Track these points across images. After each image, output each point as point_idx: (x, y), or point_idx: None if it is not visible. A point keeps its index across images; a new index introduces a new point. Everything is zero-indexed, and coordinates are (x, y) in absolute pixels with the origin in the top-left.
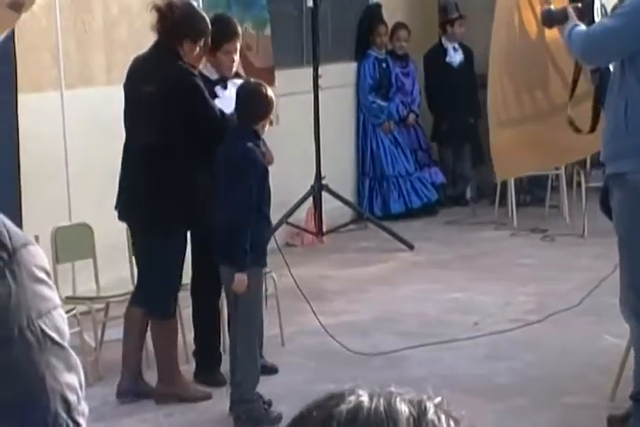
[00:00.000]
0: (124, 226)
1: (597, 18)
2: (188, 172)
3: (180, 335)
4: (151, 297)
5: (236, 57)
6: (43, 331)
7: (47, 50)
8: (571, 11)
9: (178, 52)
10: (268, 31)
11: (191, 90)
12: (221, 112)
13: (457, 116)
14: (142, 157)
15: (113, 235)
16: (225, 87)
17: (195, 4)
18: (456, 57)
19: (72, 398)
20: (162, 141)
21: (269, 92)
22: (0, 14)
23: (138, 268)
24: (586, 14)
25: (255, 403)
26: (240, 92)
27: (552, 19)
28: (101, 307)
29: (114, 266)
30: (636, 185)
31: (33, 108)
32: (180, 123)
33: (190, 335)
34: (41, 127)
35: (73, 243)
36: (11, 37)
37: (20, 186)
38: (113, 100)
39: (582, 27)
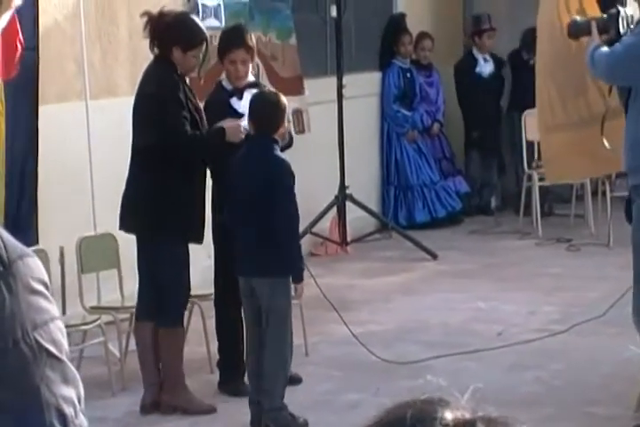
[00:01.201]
0: None
1: (622, 29)
2: (172, 181)
3: (204, 346)
4: (158, 306)
5: (244, 67)
6: (38, 343)
7: (72, 60)
8: (594, 24)
9: (169, 59)
10: (293, 40)
11: (151, 99)
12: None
13: (486, 126)
14: (130, 164)
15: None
16: (240, 98)
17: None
18: (486, 67)
19: (68, 410)
20: (136, 148)
21: (283, 99)
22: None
23: (139, 279)
24: (611, 25)
25: (283, 411)
26: (254, 103)
27: (578, 30)
28: (126, 317)
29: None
30: None
31: (57, 118)
32: (147, 129)
33: (214, 346)
34: (65, 137)
35: (98, 253)
36: (34, 49)
37: (36, 196)
38: None
39: (604, 48)
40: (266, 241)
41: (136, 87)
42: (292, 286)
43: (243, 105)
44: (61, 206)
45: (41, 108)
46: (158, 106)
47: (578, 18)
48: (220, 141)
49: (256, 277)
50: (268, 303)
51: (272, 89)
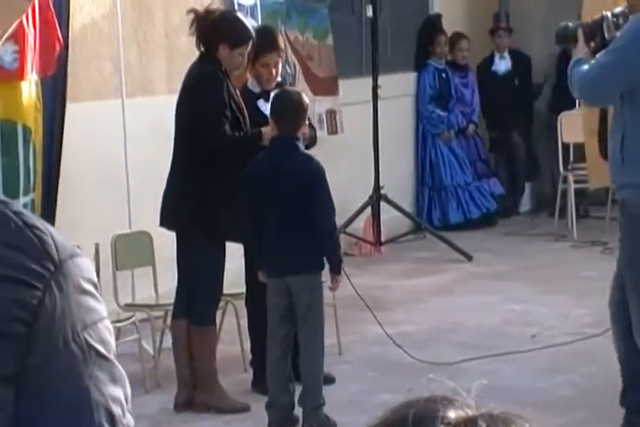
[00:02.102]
0: None
1: (607, 34)
2: (212, 179)
3: (237, 344)
4: (191, 304)
5: (276, 70)
6: (88, 343)
7: (109, 59)
8: (580, 32)
9: (215, 57)
10: (329, 40)
11: (194, 97)
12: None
13: (504, 126)
14: (172, 161)
15: (172, 242)
16: (267, 100)
17: (249, 14)
18: (501, 65)
19: (117, 410)
20: (177, 145)
21: (305, 98)
22: (11, 2)
23: (178, 276)
24: (597, 32)
25: (321, 410)
26: (277, 102)
27: (565, 36)
28: (160, 314)
29: (173, 274)
30: (635, 213)
31: (94, 116)
32: (188, 126)
33: (247, 345)
34: (102, 136)
35: (132, 250)
36: (66, 47)
37: (56, 194)
38: (173, 108)
39: (584, 66)
40: (307, 238)
41: (172, 85)
42: (329, 278)
43: (270, 107)
44: (97, 204)
45: (77, 106)
46: (200, 104)
47: (570, 23)
48: (257, 145)
49: (295, 276)
50: (310, 301)
51: (299, 88)
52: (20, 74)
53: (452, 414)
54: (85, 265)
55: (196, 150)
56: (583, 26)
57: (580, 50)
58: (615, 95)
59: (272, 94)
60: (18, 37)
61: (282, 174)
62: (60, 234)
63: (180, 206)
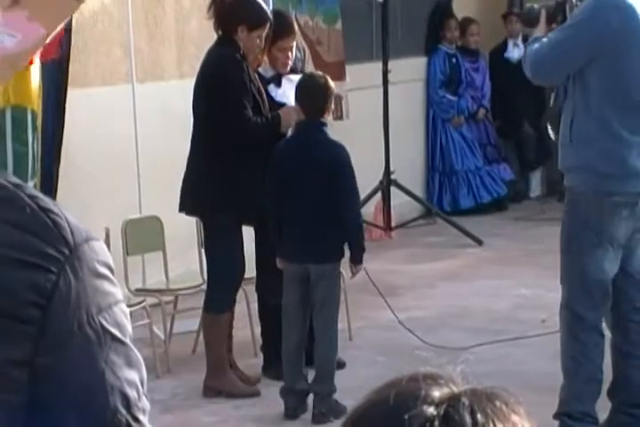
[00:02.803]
0: (193, 219)
1: (569, 16)
2: (223, 163)
3: (248, 329)
4: (208, 291)
5: (292, 54)
6: (103, 326)
7: (119, 44)
8: (543, 12)
9: (233, 40)
10: (338, 26)
11: (214, 81)
12: (254, 115)
13: (514, 113)
14: (191, 146)
15: (183, 227)
16: (279, 85)
17: None
18: (514, 53)
19: (132, 394)
20: (197, 130)
21: (330, 82)
22: (62, 2)
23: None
24: (559, 13)
25: (332, 396)
26: (304, 86)
27: (531, 18)
28: (171, 299)
29: (183, 259)
30: (577, 197)
31: (103, 101)
32: (208, 110)
33: (258, 330)
34: (112, 121)
35: (143, 235)
36: (68, 30)
37: (57, 177)
38: (184, 93)
39: (536, 45)
40: (330, 226)
41: (182, 70)
42: (348, 267)
43: (280, 92)
44: (107, 189)
45: (87, 92)
46: (222, 89)
47: (536, 5)
48: (277, 128)
49: (315, 263)
50: (328, 289)
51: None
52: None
53: (435, 393)
54: (101, 249)
55: (218, 135)
56: (547, 7)
57: (540, 30)
58: (563, 74)
59: (283, 79)
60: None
61: (308, 160)
62: (74, 218)
63: (200, 191)
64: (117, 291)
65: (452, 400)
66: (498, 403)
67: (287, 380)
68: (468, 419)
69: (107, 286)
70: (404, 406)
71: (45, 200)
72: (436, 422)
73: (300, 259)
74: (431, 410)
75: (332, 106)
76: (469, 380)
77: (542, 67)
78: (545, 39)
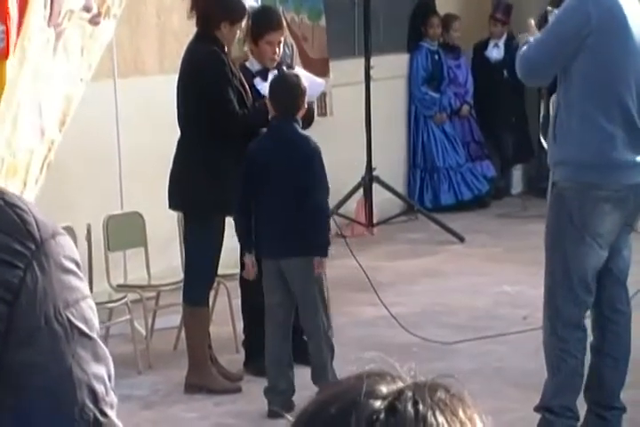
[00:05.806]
0: (175, 214)
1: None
2: (210, 157)
3: (230, 325)
4: (185, 284)
5: (279, 49)
6: (70, 321)
7: None
8: (531, 20)
9: (213, 36)
10: (322, 22)
11: (198, 77)
12: (239, 107)
13: (492, 110)
14: (178, 141)
15: (164, 223)
16: (265, 79)
17: None
18: (492, 53)
19: (99, 388)
20: (183, 125)
21: (303, 81)
22: None
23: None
24: (545, 19)
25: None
26: (275, 85)
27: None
28: (152, 295)
29: (165, 255)
30: (562, 192)
31: (86, 96)
32: (195, 107)
33: (240, 325)
34: (94, 116)
35: (124, 231)
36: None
37: None
38: (165, 89)
39: (524, 47)
40: (303, 221)
41: (164, 65)
42: (317, 261)
43: (266, 85)
44: (89, 184)
45: None
46: (205, 86)
47: (549, 7)
48: (266, 115)
49: (291, 258)
50: (307, 283)
51: (297, 70)
52: (5, 53)
53: (382, 388)
54: (68, 244)
55: (204, 131)
56: (541, 14)
57: (530, 36)
58: (550, 73)
59: (270, 74)
60: (3, 17)
61: (279, 157)
62: (41, 213)
63: (187, 187)
64: (84, 286)
65: (397, 394)
66: (440, 393)
67: (270, 380)
68: (411, 410)
69: (73, 280)
70: (352, 401)
71: (11, 195)
72: (382, 415)
73: (275, 255)
74: (377, 404)
75: (305, 104)
76: (417, 376)
77: (530, 66)
78: (532, 40)
